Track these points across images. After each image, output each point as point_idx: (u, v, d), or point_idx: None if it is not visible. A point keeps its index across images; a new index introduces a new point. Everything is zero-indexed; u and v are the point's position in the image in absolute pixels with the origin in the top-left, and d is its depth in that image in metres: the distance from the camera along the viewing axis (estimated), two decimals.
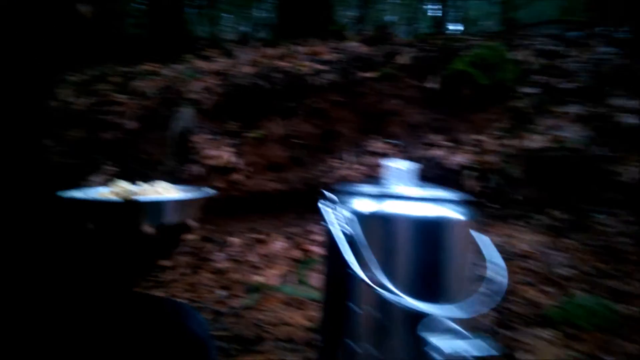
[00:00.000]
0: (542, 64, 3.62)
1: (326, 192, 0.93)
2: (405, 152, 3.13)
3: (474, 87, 3.33)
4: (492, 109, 3.31)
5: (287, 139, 3.29)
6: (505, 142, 3.05)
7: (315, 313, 1.97)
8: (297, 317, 1.99)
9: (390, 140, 3.27)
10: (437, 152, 3.05)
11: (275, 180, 3.12)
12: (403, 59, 3.74)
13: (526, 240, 2.51)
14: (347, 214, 0.86)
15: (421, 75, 3.59)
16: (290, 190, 3.08)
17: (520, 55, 3.69)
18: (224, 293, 2.20)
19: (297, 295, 2.13)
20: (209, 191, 0.86)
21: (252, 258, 2.49)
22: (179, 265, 2.43)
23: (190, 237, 2.60)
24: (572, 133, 2.98)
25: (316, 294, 2.10)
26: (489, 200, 2.79)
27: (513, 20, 6.13)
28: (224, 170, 3.06)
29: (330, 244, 0.86)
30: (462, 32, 7.02)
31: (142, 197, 0.78)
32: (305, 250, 2.52)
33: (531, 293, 2.07)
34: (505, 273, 0.87)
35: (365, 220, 0.85)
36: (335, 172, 3.06)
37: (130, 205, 0.74)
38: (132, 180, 0.88)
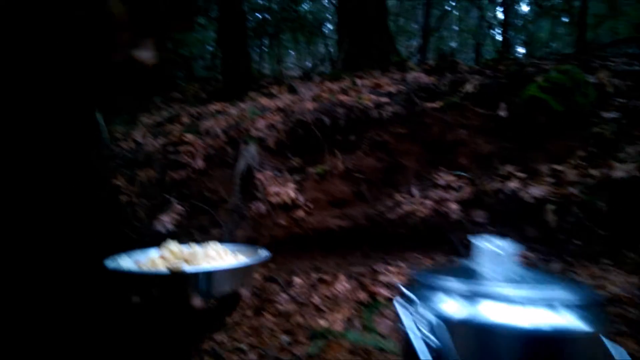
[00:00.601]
0: (622, 86, 3.34)
1: (403, 289, 0.78)
2: (476, 184, 2.96)
3: (548, 114, 3.12)
4: (570, 136, 3.07)
5: (350, 173, 3.23)
6: (587, 171, 2.80)
7: None
8: None
9: (459, 173, 3.12)
10: (511, 184, 2.85)
11: (339, 216, 3.04)
12: (469, 87, 3.60)
13: (617, 281, 2.25)
14: (431, 318, 0.68)
15: (489, 103, 3.43)
16: (354, 226, 2.99)
17: (597, 77, 3.43)
18: (287, 339, 2.12)
19: (363, 343, 2.02)
20: (262, 254, 0.80)
21: (316, 300, 2.41)
22: (242, 307, 2.39)
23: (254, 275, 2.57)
24: None
25: (383, 343, 1.97)
26: (572, 236, 2.55)
27: (585, 41, 5.78)
28: (287, 207, 3.03)
29: (409, 354, 0.68)
30: (531, 56, 6.72)
31: (190, 268, 0.72)
32: (371, 293, 2.40)
33: (629, 346, 1.82)
34: None
35: (457, 328, 0.66)
36: (401, 208, 2.95)
37: (177, 278, 0.69)
38: (189, 236, 0.84)
